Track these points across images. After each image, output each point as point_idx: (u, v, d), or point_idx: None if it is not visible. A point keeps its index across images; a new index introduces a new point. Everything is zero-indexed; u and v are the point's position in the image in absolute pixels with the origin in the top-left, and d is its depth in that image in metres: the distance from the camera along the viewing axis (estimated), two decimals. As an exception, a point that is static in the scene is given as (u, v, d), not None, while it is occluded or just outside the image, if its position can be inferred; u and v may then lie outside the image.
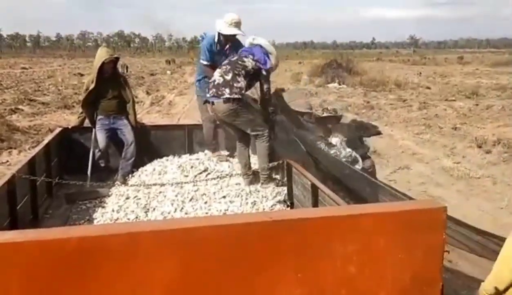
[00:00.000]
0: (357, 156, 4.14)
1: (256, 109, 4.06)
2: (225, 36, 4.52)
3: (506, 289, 2.06)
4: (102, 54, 4.61)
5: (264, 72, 3.95)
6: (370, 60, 45.98)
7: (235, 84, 3.80)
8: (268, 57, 3.99)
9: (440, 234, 1.72)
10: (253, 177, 4.02)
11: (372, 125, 6.36)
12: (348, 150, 4.12)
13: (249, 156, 4.16)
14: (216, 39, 4.60)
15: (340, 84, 22.08)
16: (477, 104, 15.09)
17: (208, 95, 3.96)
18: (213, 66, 4.55)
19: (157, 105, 15.83)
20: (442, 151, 9.17)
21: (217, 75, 3.93)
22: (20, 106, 14.85)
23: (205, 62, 4.68)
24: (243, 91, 3.84)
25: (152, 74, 31.32)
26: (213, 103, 3.90)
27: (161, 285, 1.61)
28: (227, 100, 3.78)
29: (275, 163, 3.93)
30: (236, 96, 3.78)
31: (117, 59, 4.78)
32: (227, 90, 3.79)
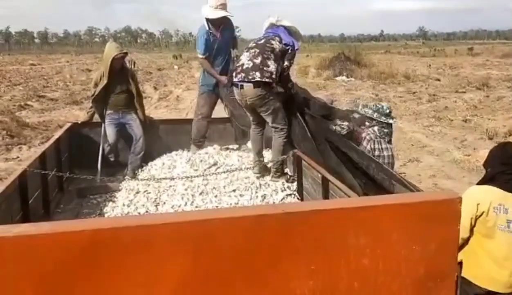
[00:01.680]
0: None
1: (281, 101, 3.86)
2: (213, 20, 4.39)
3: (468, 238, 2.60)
4: (111, 50, 4.62)
5: (285, 64, 3.81)
6: (379, 53, 45.63)
7: (265, 68, 3.66)
8: (295, 38, 3.87)
9: (455, 225, 1.70)
10: (264, 166, 3.97)
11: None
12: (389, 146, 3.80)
13: (263, 144, 4.08)
14: (207, 28, 4.47)
15: (348, 77, 21.95)
16: (487, 96, 14.94)
17: (235, 79, 3.80)
18: (209, 59, 4.56)
19: (164, 100, 15.86)
20: (452, 143, 9.10)
21: (245, 59, 3.78)
22: (29, 103, 14.99)
23: (200, 55, 4.58)
24: (273, 76, 3.69)
25: (159, 69, 31.40)
26: (242, 87, 3.73)
27: (173, 277, 1.61)
28: (257, 84, 3.65)
29: (285, 156, 3.87)
30: (267, 80, 3.65)
31: (125, 54, 4.79)
32: (258, 74, 3.65)
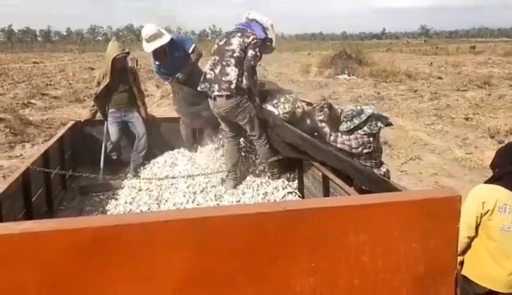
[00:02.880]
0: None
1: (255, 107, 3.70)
2: (154, 53, 4.32)
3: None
4: (113, 49, 4.64)
5: (249, 54, 3.54)
6: (380, 51, 45.53)
7: (223, 78, 3.54)
8: (266, 32, 3.66)
9: (455, 223, 1.71)
10: (238, 180, 3.85)
11: (383, 117, 6.31)
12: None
13: (239, 156, 3.95)
14: (153, 59, 4.47)
15: (349, 75, 21.92)
16: (489, 94, 14.90)
17: (209, 92, 3.68)
18: (168, 75, 4.52)
19: (167, 98, 15.89)
20: (454, 141, 9.09)
21: (208, 68, 3.70)
22: (32, 101, 15.01)
23: (168, 82, 4.65)
24: (232, 86, 3.52)
25: (161, 68, 31.34)
26: (215, 98, 3.63)
27: (176, 274, 1.63)
28: (226, 96, 3.55)
29: (275, 158, 3.75)
30: (224, 93, 3.53)
31: (127, 54, 4.81)
32: (216, 87, 3.57)
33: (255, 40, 3.56)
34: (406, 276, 1.73)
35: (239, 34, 3.61)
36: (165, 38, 4.22)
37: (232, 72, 3.53)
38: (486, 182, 2.80)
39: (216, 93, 3.57)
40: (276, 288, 1.69)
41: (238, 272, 1.67)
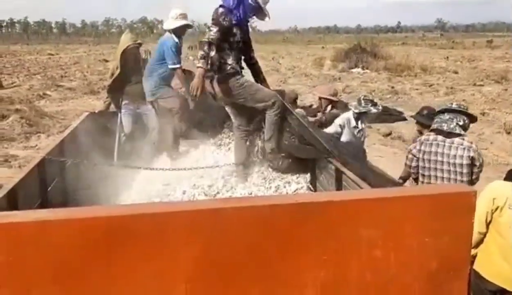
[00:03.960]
0: None
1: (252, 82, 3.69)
2: (177, 31, 4.31)
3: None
4: (125, 41, 4.66)
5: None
6: (396, 45, 45.01)
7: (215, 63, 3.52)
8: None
9: (469, 219, 1.68)
10: (249, 173, 3.78)
11: (397, 111, 6.26)
12: None
13: (246, 152, 3.84)
14: (174, 37, 4.34)
15: (363, 69, 21.75)
16: (506, 89, 14.66)
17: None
18: (184, 69, 4.36)
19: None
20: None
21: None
22: (47, 92, 15.22)
23: (177, 66, 4.31)
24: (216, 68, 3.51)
25: (174, 60, 31.44)
26: (213, 88, 3.62)
27: (187, 265, 1.63)
28: (219, 80, 3.54)
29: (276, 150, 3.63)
30: (225, 73, 3.52)
31: (139, 45, 4.82)
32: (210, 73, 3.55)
33: (214, 15, 3.46)
34: (419, 271, 1.72)
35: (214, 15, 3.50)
36: (192, 22, 4.47)
37: (212, 52, 3.44)
38: (504, 179, 2.77)
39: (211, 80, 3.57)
40: (286, 281, 1.69)
41: (249, 264, 1.67)
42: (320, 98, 4.97)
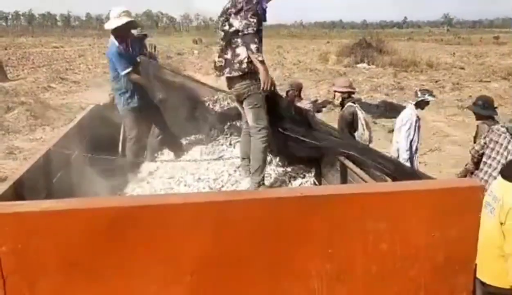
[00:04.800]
0: None
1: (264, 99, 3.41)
2: (120, 32, 4.10)
3: None
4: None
5: (241, 26, 3.20)
6: (401, 40, 44.75)
7: (235, 60, 3.32)
8: None
9: (476, 213, 1.68)
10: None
11: (402, 107, 6.27)
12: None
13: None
14: (116, 42, 4.15)
15: (369, 65, 21.65)
16: (512, 86, 14.56)
17: (225, 73, 3.48)
18: (137, 71, 4.18)
19: (185, 84, 15.91)
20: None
21: (217, 58, 3.52)
22: (52, 85, 15.25)
23: (127, 71, 4.10)
24: (243, 65, 3.28)
25: (179, 54, 31.44)
26: (227, 80, 3.49)
27: (193, 257, 1.64)
28: (237, 77, 3.34)
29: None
30: (235, 73, 3.32)
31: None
32: (228, 69, 3.39)
33: (244, 6, 3.22)
34: (425, 265, 1.72)
35: (233, 9, 3.30)
36: (135, 20, 4.23)
37: (243, 52, 3.28)
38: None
39: (227, 75, 3.43)
40: (292, 273, 1.69)
41: (254, 256, 1.67)
42: (336, 92, 4.96)
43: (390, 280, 1.72)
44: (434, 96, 5.28)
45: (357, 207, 1.71)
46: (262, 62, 3.22)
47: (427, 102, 5.27)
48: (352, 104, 4.83)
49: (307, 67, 21.44)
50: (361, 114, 4.76)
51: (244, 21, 3.20)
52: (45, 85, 14.87)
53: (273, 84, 3.35)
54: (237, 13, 3.27)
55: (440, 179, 2.47)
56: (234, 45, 3.33)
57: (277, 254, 1.68)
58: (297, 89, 5.72)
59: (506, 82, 15.70)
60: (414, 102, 5.18)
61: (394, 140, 5.29)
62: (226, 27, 3.39)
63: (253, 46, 3.18)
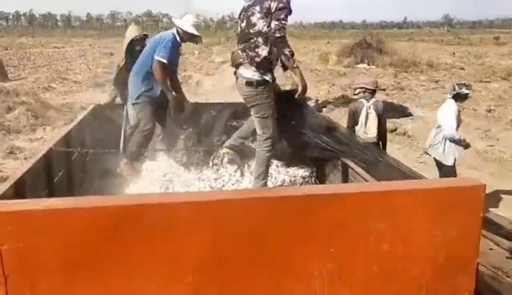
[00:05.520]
0: None
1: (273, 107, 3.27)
2: (184, 36, 4.10)
3: None
4: (131, 31, 4.66)
5: (272, 25, 2.98)
6: (402, 40, 44.69)
7: (252, 61, 3.11)
8: None
9: (477, 213, 1.68)
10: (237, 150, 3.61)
11: (402, 107, 6.27)
12: None
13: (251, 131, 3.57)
14: (178, 38, 4.09)
15: (369, 65, 21.62)
16: (512, 86, 14.55)
17: (236, 68, 3.30)
18: (170, 69, 4.10)
19: (185, 85, 15.91)
20: (475, 133, 8.93)
21: (235, 57, 3.27)
22: (53, 85, 15.25)
23: (163, 60, 3.92)
24: (260, 70, 3.11)
25: (180, 54, 31.43)
26: (237, 78, 3.27)
27: (194, 256, 1.64)
28: (248, 82, 3.16)
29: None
30: (249, 76, 3.15)
31: (145, 36, 4.82)
32: (241, 70, 3.19)
33: (273, 5, 3.01)
34: (426, 264, 1.72)
35: (257, 7, 3.08)
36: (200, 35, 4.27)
37: (263, 52, 3.09)
38: None
39: (240, 76, 3.22)
40: (294, 273, 1.69)
41: (256, 255, 1.67)
42: (358, 88, 5.08)
43: (391, 280, 1.72)
44: (470, 88, 5.36)
45: (358, 206, 1.71)
46: (298, 68, 3.12)
47: (466, 96, 5.29)
48: (363, 100, 4.87)
49: (308, 67, 21.43)
50: (364, 113, 4.78)
51: (275, 23, 2.99)
52: (45, 85, 14.86)
53: (306, 90, 3.23)
54: (263, 12, 3.05)
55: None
56: (253, 45, 3.12)
57: (278, 254, 1.69)
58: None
59: (506, 82, 15.68)
60: (451, 96, 5.25)
61: (433, 133, 5.36)
62: (244, 25, 3.19)
63: (287, 51, 3.01)
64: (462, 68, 20.44)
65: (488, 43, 42.67)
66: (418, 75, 18.38)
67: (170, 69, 4.13)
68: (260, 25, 3.08)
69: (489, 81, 16.10)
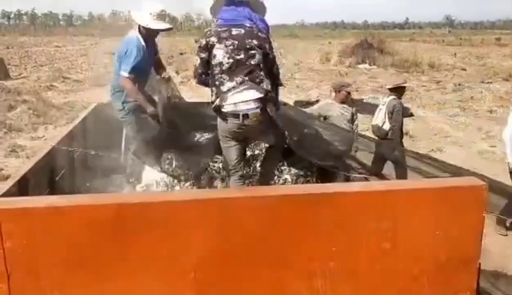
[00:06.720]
0: None
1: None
2: (150, 32, 3.48)
3: None
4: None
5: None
6: (403, 41, 44.66)
7: (263, 88, 2.56)
8: (258, 12, 2.71)
9: (479, 212, 1.68)
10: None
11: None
12: None
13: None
14: (141, 40, 3.51)
15: (370, 65, 21.61)
16: (514, 87, 14.54)
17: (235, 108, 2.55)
18: (135, 79, 3.51)
19: (186, 85, 15.93)
20: (477, 134, 8.91)
21: (232, 85, 2.57)
22: (54, 84, 15.26)
23: (126, 74, 3.44)
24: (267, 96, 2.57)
25: (181, 54, 31.40)
26: (247, 116, 2.51)
27: (196, 254, 1.64)
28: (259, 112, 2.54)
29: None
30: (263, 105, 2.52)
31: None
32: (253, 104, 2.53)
33: (265, 36, 2.65)
34: (428, 263, 1.72)
35: (255, 41, 2.59)
36: (171, 26, 3.66)
37: (265, 81, 2.60)
38: None
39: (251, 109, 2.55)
40: (295, 271, 1.70)
41: (257, 253, 1.68)
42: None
43: (393, 279, 1.73)
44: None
45: (360, 205, 1.71)
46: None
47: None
48: (384, 97, 5.34)
49: (309, 67, 21.43)
50: (379, 107, 5.27)
51: (272, 57, 2.66)
52: (47, 84, 14.88)
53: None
54: (259, 40, 2.60)
55: (443, 178, 2.46)
56: (255, 76, 2.56)
57: (281, 252, 1.69)
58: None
59: (507, 83, 15.67)
60: None
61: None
62: (241, 56, 2.56)
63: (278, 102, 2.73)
64: (464, 69, 20.43)
65: (489, 44, 42.63)
66: (420, 75, 18.38)
67: (142, 76, 3.67)
68: (258, 58, 2.61)
69: (490, 82, 16.08)
